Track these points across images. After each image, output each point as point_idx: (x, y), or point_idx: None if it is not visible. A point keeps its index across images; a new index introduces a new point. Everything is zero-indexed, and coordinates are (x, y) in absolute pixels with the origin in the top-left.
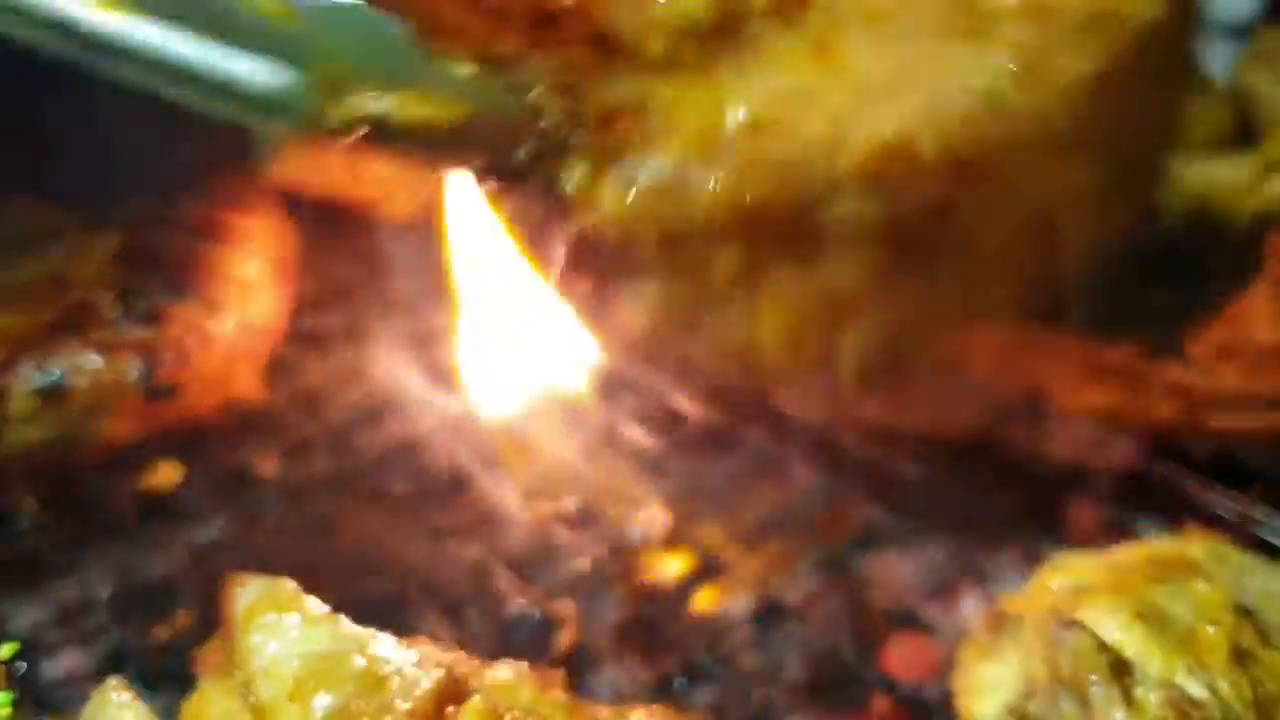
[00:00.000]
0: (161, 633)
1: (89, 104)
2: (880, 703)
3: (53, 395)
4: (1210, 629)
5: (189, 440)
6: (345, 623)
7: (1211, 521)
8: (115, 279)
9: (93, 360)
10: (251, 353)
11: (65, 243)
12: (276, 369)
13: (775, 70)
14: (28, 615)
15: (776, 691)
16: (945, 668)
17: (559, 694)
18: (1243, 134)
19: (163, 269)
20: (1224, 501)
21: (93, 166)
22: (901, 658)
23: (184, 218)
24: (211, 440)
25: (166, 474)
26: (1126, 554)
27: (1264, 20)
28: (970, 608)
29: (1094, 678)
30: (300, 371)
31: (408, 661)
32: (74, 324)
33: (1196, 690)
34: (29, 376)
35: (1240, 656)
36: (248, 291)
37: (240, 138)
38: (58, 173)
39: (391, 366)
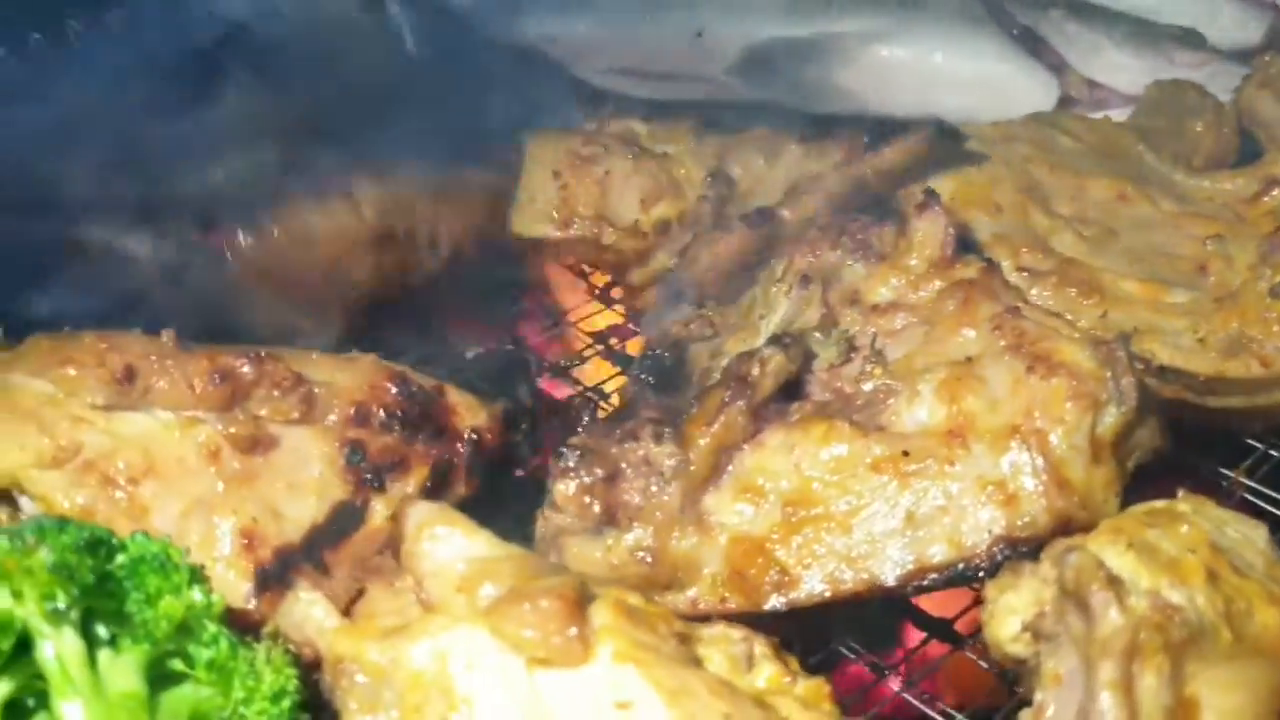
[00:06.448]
0: None
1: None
2: (913, 635)
3: None
4: (1190, 556)
5: None
6: (495, 537)
7: (1203, 487)
8: None
9: None
10: None
11: None
12: None
13: None
14: None
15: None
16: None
17: (661, 604)
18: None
19: None
20: (1215, 470)
21: None
22: (932, 596)
23: None
24: None
25: None
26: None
27: (1267, 47)
28: None
29: (1094, 586)
30: None
31: (549, 564)
32: None
33: (1177, 599)
34: None
35: (1214, 579)
36: None
37: None
38: None
39: None
